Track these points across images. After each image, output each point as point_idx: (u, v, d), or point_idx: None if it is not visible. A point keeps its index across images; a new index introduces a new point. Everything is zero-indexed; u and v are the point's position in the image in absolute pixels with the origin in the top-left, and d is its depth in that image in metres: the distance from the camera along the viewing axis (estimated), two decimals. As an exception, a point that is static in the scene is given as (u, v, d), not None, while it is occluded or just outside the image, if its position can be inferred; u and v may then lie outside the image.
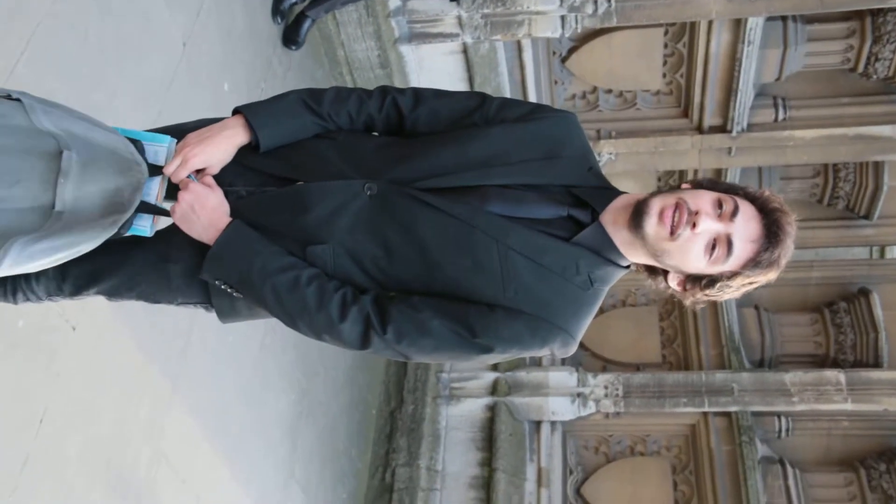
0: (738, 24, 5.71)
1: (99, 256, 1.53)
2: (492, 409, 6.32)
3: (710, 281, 1.50)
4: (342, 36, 5.29)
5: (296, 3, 4.76)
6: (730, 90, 6.01)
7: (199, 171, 1.60)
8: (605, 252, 1.54)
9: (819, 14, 5.75)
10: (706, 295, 1.53)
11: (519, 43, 5.83)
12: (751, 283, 1.51)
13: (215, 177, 1.60)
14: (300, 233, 1.54)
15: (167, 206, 1.58)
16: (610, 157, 6.30)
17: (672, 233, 1.45)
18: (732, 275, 1.48)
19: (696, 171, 6.45)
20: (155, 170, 1.58)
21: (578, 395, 6.35)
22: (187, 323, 3.67)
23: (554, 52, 6.21)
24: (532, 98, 6.09)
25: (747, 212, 1.46)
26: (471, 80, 5.80)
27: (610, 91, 6.41)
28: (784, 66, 5.95)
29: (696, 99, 6.19)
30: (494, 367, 6.41)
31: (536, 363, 6.61)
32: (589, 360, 6.97)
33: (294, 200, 1.56)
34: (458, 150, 1.57)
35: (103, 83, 3.11)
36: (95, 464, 3.06)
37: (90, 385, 3.03)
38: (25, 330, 2.69)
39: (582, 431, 6.57)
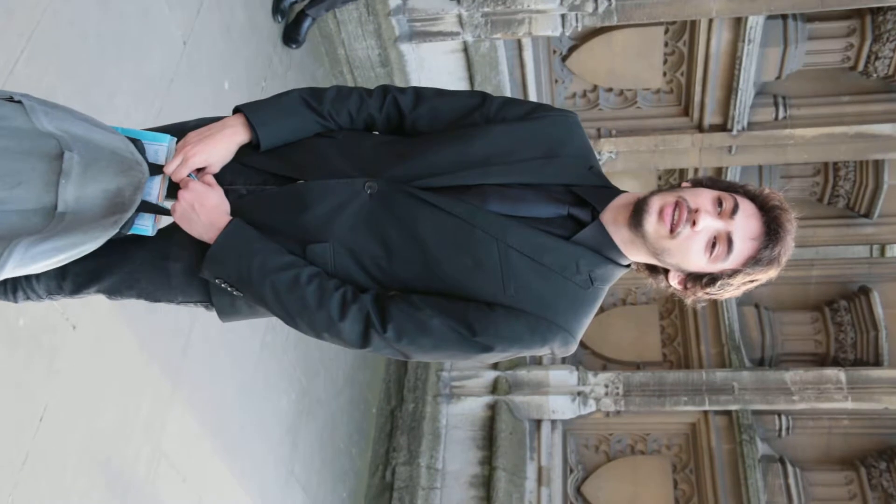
0: (738, 23, 5.71)
1: (99, 255, 1.53)
2: (492, 407, 6.33)
3: (711, 279, 1.50)
4: (342, 34, 5.29)
5: (296, 2, 4.76)
6: (730, 89, 6.01)
7: (199, 170, 1.60)
8: (606, 251, 1.54)
9: (819, 12, 5.75)
10: (707, 293, 1.53)
11: (519, 41, 5.83)
12: (751, 281, 1.51)
13: (215, 175, 1.60)
14: (300, 231, 1.54)
15: (168, 205, 1.58)
16: (610, 155, 6.30)
17: (672, 231, 1.45)
18: (733, 273, 1.48)
19: (696, 170, 6.45)
20: (155, 169, 1.58)
21: (579, 393, 6.35)
22: (188, 322, 3.68)
23: (554, 51, 6.21)
24: (532, 97, 6.09)
25: (747, 209, 1.46)
26: (471, 78, 5.80)
27: (610, 90, 6.40)
28: (784, 65, 5.95)
29: (697, 97, 6.19)
30: (495, 366, 6.41)
31: (537, 362, 6.62)
32: (589, 358, 6.98)
33: (294, 199, 1.56)
34: (458, 148, 1.57)
35: (103, 81, 3.11)
36: (96, 462, 3.06)
37: (90, 383, 3.03)
38: (26, 328, 2.69)
39: (582, 430, 6.57)
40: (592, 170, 1.62)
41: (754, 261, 1.45)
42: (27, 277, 1.74)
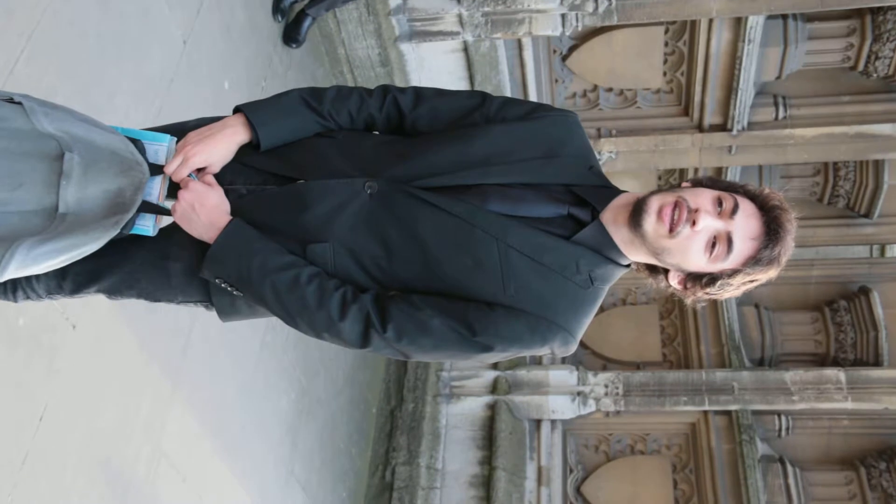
0: (738, 23, 5.71)
1: (99, 255, 1.53)
2: (492, 407, 6.33)
3: (711, 279, 1.50)
4: (343, 34, 5.29)
5: (296, 2, 4.76)
6: (730, 88, 6.01)
7: (199, 170, 1.60)
8: (606, 251, 1.54)
9: (819, 12, 5.75)
10: (707, 293, 1.53)
11: (519, 41, 5.83)
12: (751, 281, 1.51)
13: (215, 175, 1.61)
14: (300, 231, 1.55)
15: (169, 205, 1.58)
16: (610, 155, 6.30)
17: (671, 230, 1.45)
18: (733, 272, 1.48)
19: (696, 170, 6.45)
20: (156, 169, 1.58)
21: (579, 393, 6.35)
22: (188, 321, 3.68)
23: (554, 51, 6.21)
24: (532, 96, 6.09)
25: (747, 209, 1.46)
26: (471, 78, 5.80)
27: (610, 89, 6.40)
28: (784, 65, 5.95)
29: (697, 97, 6.19)
30: (495, 366, 6.41)
31: (537, 362, 6.62)
32: (589, 358, 6.98)
33: (294, 199, 1.56)
34: (458, 148, 1.57)
35: (103, 81, 3.11)
36: (95, 462, 3.06)
37: (90, 383, 3.03)
38: (26, 328, 2.69)
39: (582, 430, 6.57)
40: (592, 170, 1.62)
41: (754, 261, 1.45)
42: (27, 277, 1.74)
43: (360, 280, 1.55)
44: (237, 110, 1.64)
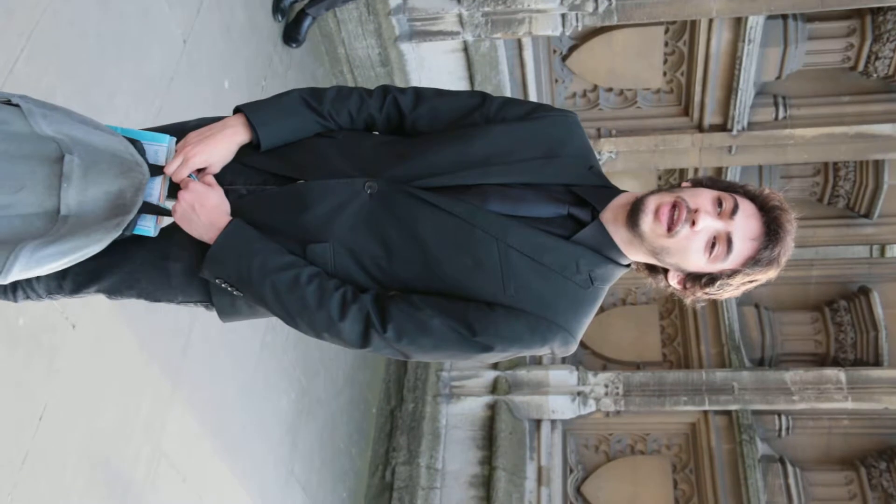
0: (738, 23, 5.71)
1: (99, 255, 1.53)
2: (492, 407, 6.33)
3: (710, 279, 1.50)
4: (343, 34, 5.29)
5: (296, 1, 4.76)
6: (730, 88, 6.01)
7: (199, 171, 1.60)
8: (606, 250, 1.54)
9: (819, 12, 5.75)
10: (706, 293, 1.53)
11: (519, 41, 5.83)
12: (751, 282, 1.51)
13: (216, 176, 1.61)
14: (300, 231, 1.55)
15: (169, 205, 1.58)
16: (610, 155, 6.30)
17: (669, 230, 1.45)
18: (732, 273, 1.48)
19: (696, 170, 6.45)
20: (156, 170, 1.58)
21: (579, 393, 6.35)
22: (188, 321, 3.68)
23: (554, 51, 6.21)
24: (532, 96, 6.09)
25: (747, 210, 1.46)
26: (471, 78, 5.80)
27: (610, 89, 6.40)
28: (784, 65, 5.95)
29: (697, 97, 6.19)
30: (495, 366, 6.41)
31: (537, 361, 6.62)
32: (589, 358, 6.98)
33: (294, 199, 1.56)
34: (458, 148, 1.57)
35: (103, 81, 3.11)
36: (95, 462, 3.06)
37: (90, 383, 3.03)
38: (26, 328, 2.69)
39: (582, 430, 6.57)
40: (592, 170, 1.62)
41: (754, 261, 1.45)
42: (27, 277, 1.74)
43: (360, 280, 1.55)
44: (237, 110, 1.64)
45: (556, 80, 6.35)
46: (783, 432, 6.40)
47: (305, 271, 1.51)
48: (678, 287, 1.56)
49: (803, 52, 5.94)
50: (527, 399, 6.33)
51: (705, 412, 6.36)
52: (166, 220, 1.64)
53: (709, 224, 1.44)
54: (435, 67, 5.74)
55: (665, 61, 6.19)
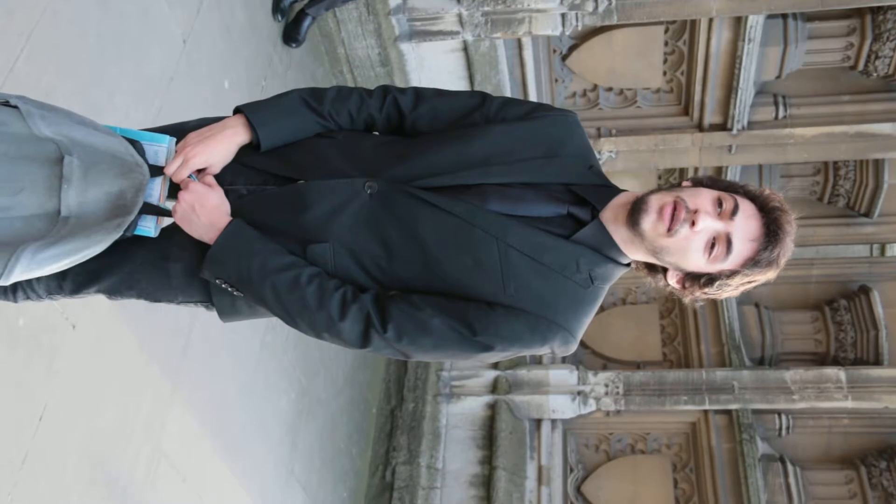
0: (738, 22, 5.70)
1: (99, 255, 1.53)
2: (492, 407, 6.33)
3: (709, 279, 1.50)
4: (342, 34, 5.29)
5: (296, 1, 4.76)
6: (730, 88, 6.01)
7: (199, 171, 1.60)
8: (606, 250, 1.54)
9: (819, 12, 5.75)
10: (705, 293, 1.53)
11: (519, 41, 5.83)
12: (750, 282, 1.51)
13: (216, 176, 1.61)
14: (300, 231, 1.55)
15: (170, 206, 1.58)
16: (610, 155, 6.30)
17: (669, 229, 1.45)
18: (731, 273, 1.48)
19: (696, 169, 6.45)
20: (156, 170, 1.58)
21: (579, 393, 6.35)
22: (188, 322, 3.68)
23: (554, 50, 6.21)
24: (532, 96, 6.09)
25: (747, 210, 1.46)
26: (471, 78, 5.80)
27: (610, 89, 6.40)
28: (784, 64, 5.95)
29: (697, 97, 6.19)
30: (495, 366, 6.41)
31: (537, 361, 6.62)
32: (589, 358, 6.98)
33: (294, 199, 1.56)
34: (458, 148, 1.57)
35: (103, 80, 3.11)
36: (95, 462, 3.06)
37: (90, 383, 3.03)
38: (26, 328, 2.69)
39: (582, 429, 6.57)
40: (592, 169, 1.63)
41: (753, 262, 1.45)
42: (27, 278, 1.74)
43: (360, 280, 1.55)
44: (237, 111, 1.64)
45: (556, 80, 6.35)
46: (783, 431, 6.40)
47: (305, 271, 1.51)
48: (677, 286, 1.56)
49: (803, 51, 5.94)
50: (527, 398, 6.34)
51: (705, 411, 6.36)
52: (166, 221, 1.64)
53: (708, 224, 1.44)
54: (435, 67, 5.74)
55: (665, 61, 6.19)
